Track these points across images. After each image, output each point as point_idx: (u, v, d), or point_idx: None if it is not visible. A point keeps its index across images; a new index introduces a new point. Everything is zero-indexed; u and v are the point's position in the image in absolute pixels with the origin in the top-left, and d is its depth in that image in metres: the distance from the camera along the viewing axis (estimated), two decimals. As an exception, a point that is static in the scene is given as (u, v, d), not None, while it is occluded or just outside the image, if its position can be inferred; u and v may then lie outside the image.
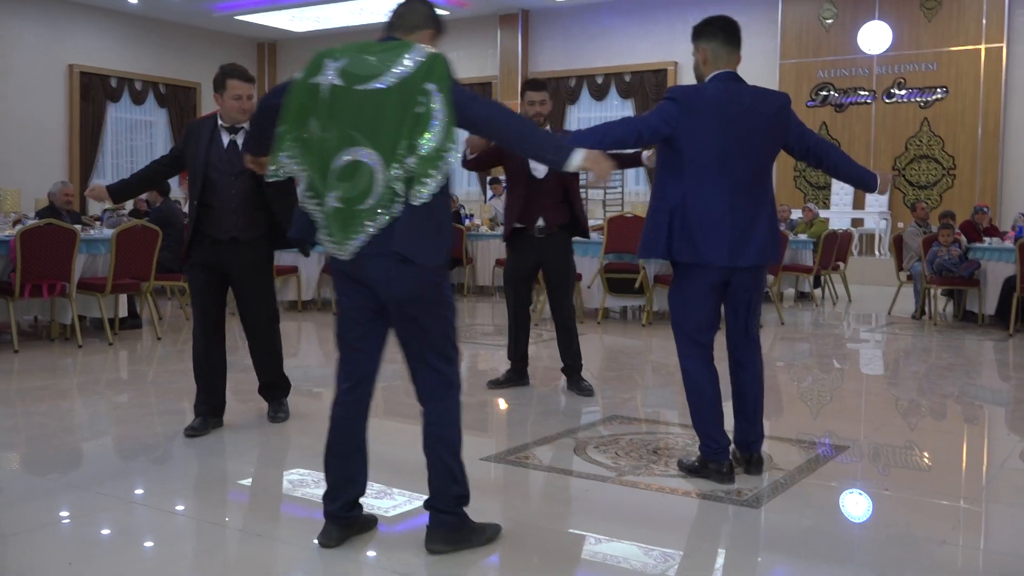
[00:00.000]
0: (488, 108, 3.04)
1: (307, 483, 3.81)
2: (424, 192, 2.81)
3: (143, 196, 12.74)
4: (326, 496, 3.10)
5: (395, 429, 4.92)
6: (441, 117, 2.81)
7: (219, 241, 4.47)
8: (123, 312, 8.08)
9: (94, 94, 17.96)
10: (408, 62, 2.85)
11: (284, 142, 2.93)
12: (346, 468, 3.09)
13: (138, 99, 18.75)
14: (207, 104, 19.93)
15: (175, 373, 6.46)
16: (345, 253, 2.88)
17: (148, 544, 3.19)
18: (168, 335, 8.00)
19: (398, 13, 3.14)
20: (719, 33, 3.81)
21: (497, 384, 5.82)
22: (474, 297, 11.73)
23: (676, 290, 3.91)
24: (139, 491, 3.76)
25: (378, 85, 2.83)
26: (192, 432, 4.50)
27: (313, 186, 2.91)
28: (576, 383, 5.70)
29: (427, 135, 2.79)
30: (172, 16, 18.54)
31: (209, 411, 4.61)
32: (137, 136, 18.96)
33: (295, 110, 2.91)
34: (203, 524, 3.39)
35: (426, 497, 3.09)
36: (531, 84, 5.46)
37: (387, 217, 2.83)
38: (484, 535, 3.11)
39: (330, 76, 2.88)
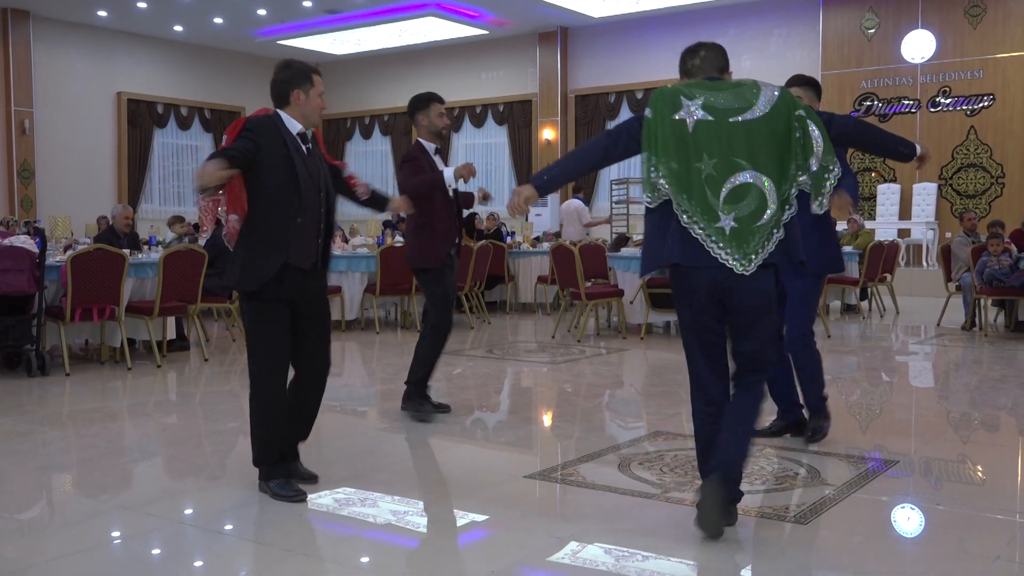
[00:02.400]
0: (840, 121, 3.90)
1: (354, 502, 3.83)
2: (823, 203, 3.36)
3: (194, 222, 12.92)
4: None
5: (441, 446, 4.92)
6: (820, 138, 3.29)
7: (302, 270, 3.85)
8: (171, 334, 8.20)
9: (141, 120, 18.35)
10: (774, 93, 3.30)
11: (658, 173, 3.26)
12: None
13: (184, 124, 19.12)
14: (251, 128, 20.21)
15: (223, 394, 6.55)
16: (750, 267, 3.20)
17: (197, 564, 3.23)
18: (215, 356, 8.11)
19: (703, 57, 3.52)
20: None
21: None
22: (516, 314, 11.73)
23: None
24: (188, 511, 3.81)
25: (750, 116, 3.24)
26: (299, 496, 3.83)
27: (694, 212, 3.23)
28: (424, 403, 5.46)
29: (813, 156, 3.28)
30: (216, 43, 18.90)
31: (293, 456, 4.04)
32: (183, 161, 19.31)
33: (664, 144, 3.25)
34: (251, 544, 3.42)
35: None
36: (440, 97, 5.46)
37: (779, 231, 3.24)
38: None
39: (696, 112, 3.24)
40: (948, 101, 14.77)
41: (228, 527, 3.60)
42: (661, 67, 17.16)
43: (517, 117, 18.79)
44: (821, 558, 3.26)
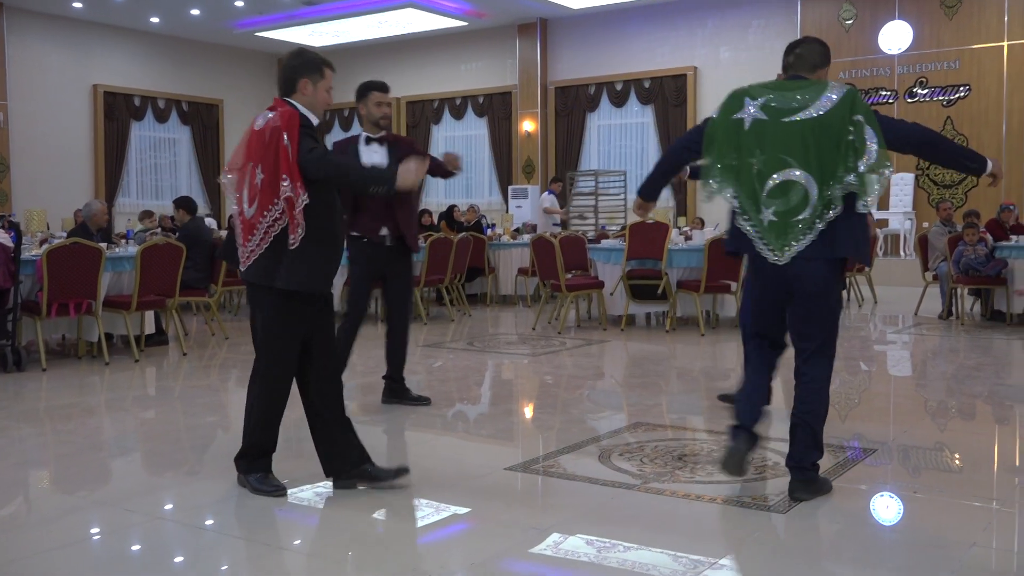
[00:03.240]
0: (902, 128, 3.65)
1: (334, 496, 3.82)
2: (868, 202, 3.45)
3: (171, 215, 12.88)
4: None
5: (418, 440, 4.92)
6: (876, 142, 3.42)
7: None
8: (150, 329, 8.15)
9: (118, 113, 18.18)
10: (833, 96, 3.47)
11: (713, 171, 3.57)
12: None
13: (161, 117, 18.96)
14: (229, 120, 20.13)
15: (201, 389, 6.51)
16: (784, 258, 3.47)
17: (177, 560, 3.21)
18: (194, 350, 8.06)
19: (798, 54, 3.72)
20: None
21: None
22: (496, 307, 11.73)
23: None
24: (168, 507, 3.79)
25: (804, 116, 3.45)
26: (279, 491, 3.81)
27: (745, 206, 3.54)
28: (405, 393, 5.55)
29: (864, 158, 3.41)
30: (193, 34, 18.75)
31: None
32: (161, 154, 19.17)
33: (720, 142, 3.55)
34: (231, 539, 3.41)
35: None
36: (380, 86, 5.27)
37: (821, 225, 3.44)
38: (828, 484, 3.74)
39: (752, 112, 3.51)
40: (925, 92, 14.87)
41: (208, 522, 3.58)
42: (640, 59, 17.19)
43: (497, 109, 18.76)
44: (800, 546, 3.28)
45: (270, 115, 3.66)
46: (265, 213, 3.59)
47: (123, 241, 10.57)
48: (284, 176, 3.53)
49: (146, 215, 12.21)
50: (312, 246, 3.61)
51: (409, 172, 3.59)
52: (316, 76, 3.78)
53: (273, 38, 18.91)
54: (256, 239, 3.63)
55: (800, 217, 3.44)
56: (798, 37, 16.35)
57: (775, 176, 3.46)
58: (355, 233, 5.24)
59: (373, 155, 5.15)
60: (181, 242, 7.89)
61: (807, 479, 3.64)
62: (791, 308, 3.63)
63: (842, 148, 3.42)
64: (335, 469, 3.85)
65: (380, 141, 5.22)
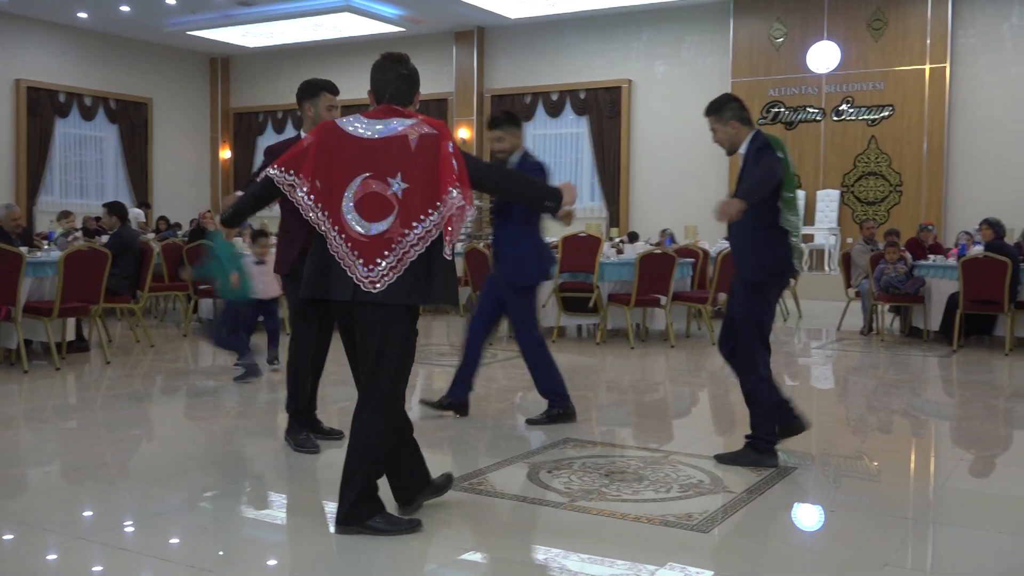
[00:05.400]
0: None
1: (256, 510, 3.78)
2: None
3: (96, 215, 12.61)
4: None
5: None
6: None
7: None
8: (71, 335, 7.95)
9: (42, 109, 17.69)
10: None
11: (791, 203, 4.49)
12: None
13: (88, 115, 18.51)
14: (159, 119, 19.74)
15: (125, 399, 6.37)
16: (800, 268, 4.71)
17: (95, 580, 3.15)
18: (118, 358, 7.89)
19: (721, 104, 4.59)
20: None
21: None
22: (429, 315, 11.71)
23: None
24: (86, 525, 3.71)
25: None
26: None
27: (798, 230, 4.54)
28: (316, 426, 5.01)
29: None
30: (123, 31, 18.35)
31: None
32: (87, 152, 18.70)
33: (789, 179, 4.43)
34: (151, 560, 3.35)
35: None
36: (331, 87, 5.00)
37: None
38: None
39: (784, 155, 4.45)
40: (851, 111, 15.28)
41: (129, 540, 3.51)
42: (576, 70, 17.34)
43: (433, 115, 18.62)
44: (721, 565, 3.35)
45: (398, 122, 3.42)
46: (415, 225, 3.31)
47: (44, 243, 10.29)
48: (452, 188, 3.32)
49: (64, 215, 11.91)
50: (438, 264, 3.42)
51: (572, 193, 3.72)
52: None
53: (206, 37, 18.62)
54: (396, 255, 3.32)
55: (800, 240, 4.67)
56: (730, 53, 16.67)
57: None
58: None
59: None
60: (110, 249, 7.72)
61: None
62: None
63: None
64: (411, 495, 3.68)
65: None
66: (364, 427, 3.45)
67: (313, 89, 4.86)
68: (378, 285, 3.32)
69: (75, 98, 18.24)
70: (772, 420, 4.57)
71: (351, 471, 3.45)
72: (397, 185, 3.33)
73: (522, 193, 3.90)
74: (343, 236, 3.35)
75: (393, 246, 3.31)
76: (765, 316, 4.58)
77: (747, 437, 4.61)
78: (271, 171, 3.49)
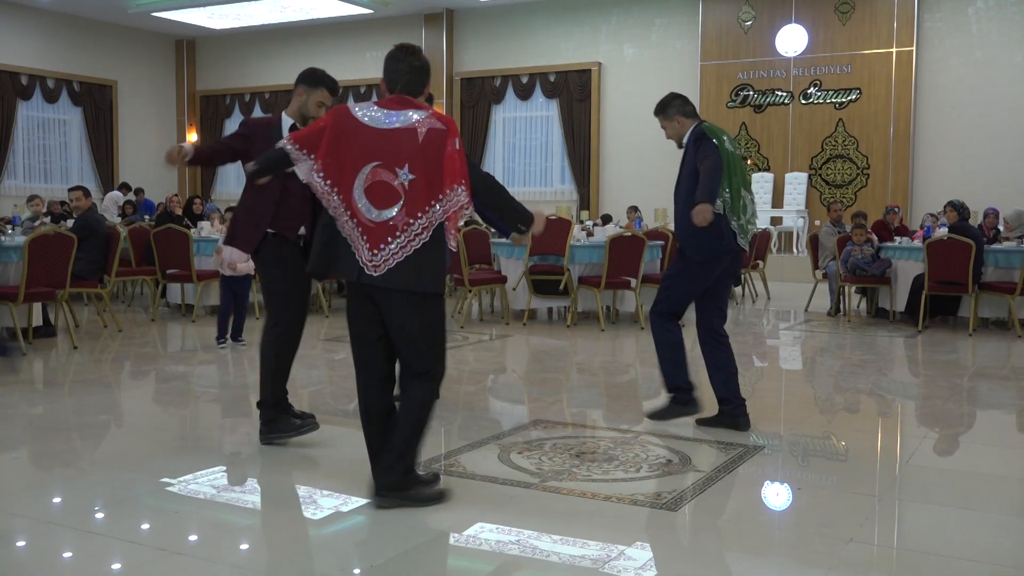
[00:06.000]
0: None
1: (231, 491, 3.77)
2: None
3: (61, 200, 12.43)
4: None
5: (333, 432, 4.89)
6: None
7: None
8: (37, 321, 7.86)
9: (3, 92, 17.41)
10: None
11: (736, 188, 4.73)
12: None
13: (51, 97, 18.23)
14: (124, 102, 19.48)
15: (92, 384, 6.32)
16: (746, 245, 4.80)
17: (65, 564, 3.13)
18: (85, 343, 7.81)
19: (665, 103, 4.89)
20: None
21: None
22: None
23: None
24: (55, 510, 3.68)
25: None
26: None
27: (744, 209, 4.75)
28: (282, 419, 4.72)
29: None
30: (86, 12, 18.05)
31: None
32: (50, 135, 18.43)
33: (729, 161, 4.67)
34: (121, 543, 3.34)
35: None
36: (334, 87, 4.81)
37: None
38: None
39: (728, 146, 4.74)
40: (819, 94, 15.39)
41: (99, 524, 3.50)
42: (546, 52, 17.31)
43: (402, 98, 18.62)
44: (689, 543, 3.40)
45: (413, 114, 3.46)
46: (420, 215, 3.42)
47: (8, 227, 10.16)
48: (459, 185, 3.43)
49: (31, 199, 11.75)
50: (438, 251, 3.51)
51: (540, 224, 4.00)
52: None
53: (171, 19, 18.36)
54: (400, 242, 3.42)
55: (752, 223, 4.87)
56: (699, 36, 16.71)
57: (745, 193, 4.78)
58: (271, 231, 4.60)
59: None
60: (75, 232, 7.62)
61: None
62: (716, 286, 4.87)
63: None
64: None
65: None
66: (411, 400, 3.58)
67: (314, 80, 4.73)
68: (380, 269, 3.42)
69: (38, 80, 17.95)
70: (681, 370, 4.93)
71: (401, 442, 3.56)
72: (404, 175, 3.42)
73: (501, 208, 4.06)
74: (355, 220, 3.45)
75: (398, 234, 3.41)
76: (692, 292, 4.86)
77: (668, 392, 4.99)
78: (288, 146, 3.54)
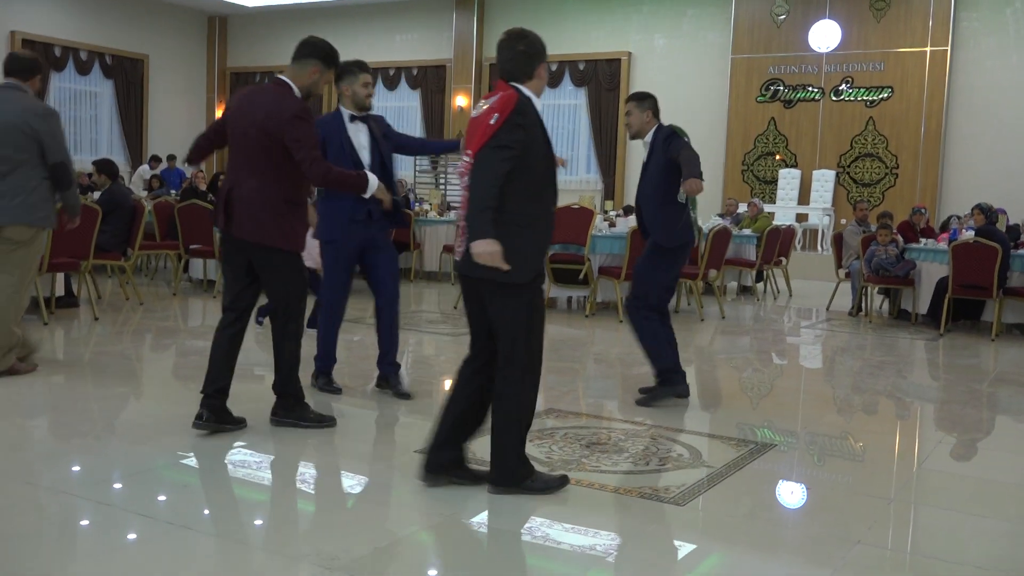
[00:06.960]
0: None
1: (242, 471, 3.81)
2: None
3: (88, 172, 12.49)
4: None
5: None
6: None
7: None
8: (60, 291, 7.94)
9: (37, 63, 17.54)
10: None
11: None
12: None
13: (83, 69, 18.38)
14: (155, 76, 19.61)
15: (113, 355, 6.39)
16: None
17: (81, 534, 3.17)
18: (106, 315, 7.89)
19: (645, 95, 5.48)
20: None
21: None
22: (421, 283, 11.72)
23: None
24: (71, 480, 3.73)
25: None
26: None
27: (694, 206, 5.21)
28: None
29: None
30: (120, -14, 18.17)
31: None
32: (81, 107, 18.59)
33: None
34: (134, 516, 3.38)
35: None
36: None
37: None
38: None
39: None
40: (850, 91, 15.23)
41: (113, 495, 3.54)
42: (576, 40, 17.22)
43: (431, 82, 18.64)
44: (695, 539, 3.39)
45: (490, 99, 3.51)
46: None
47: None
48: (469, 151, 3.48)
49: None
50: (518, 239, 3.48)
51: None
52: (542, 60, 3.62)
53: (204, -5, 18.44)
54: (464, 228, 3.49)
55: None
56: (731, 28, 16.59)
57: None
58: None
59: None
60: (100, 206, 7.69)
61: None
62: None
63: None
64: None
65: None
66: (508, 390, 3.56)
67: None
68: (458, 256, 3.53)
69: (71, 52, 18.10)
70: (671, 351, 5.33)
71: (503, 433, 3.58)
72: (468, 159, 3.47)
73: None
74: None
75: (465, 221, 3.45)
76: (670, 279, 5.36)
77: (657, 377, 5.29)
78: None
